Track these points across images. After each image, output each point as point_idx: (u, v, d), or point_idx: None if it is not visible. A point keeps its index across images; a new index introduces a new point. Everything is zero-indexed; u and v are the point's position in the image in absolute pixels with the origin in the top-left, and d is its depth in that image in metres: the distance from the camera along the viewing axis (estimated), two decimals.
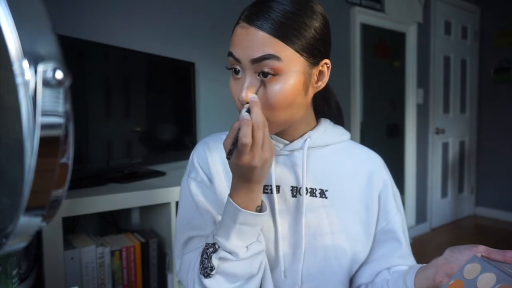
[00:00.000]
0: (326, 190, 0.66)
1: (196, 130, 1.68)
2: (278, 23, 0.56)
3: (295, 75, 0.57)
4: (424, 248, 2.91)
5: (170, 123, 1.58)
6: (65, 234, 1.16)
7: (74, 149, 0.29)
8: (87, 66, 1.27)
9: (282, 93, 0.57)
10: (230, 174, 0.63)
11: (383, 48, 2.90)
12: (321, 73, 0.62)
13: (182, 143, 1.62)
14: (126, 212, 1.48)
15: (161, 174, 1.48)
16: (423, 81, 3.12)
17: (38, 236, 1.04)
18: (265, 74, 0.56)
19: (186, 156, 1.62)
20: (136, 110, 1.43)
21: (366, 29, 2.70)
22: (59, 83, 0.26)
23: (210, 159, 0.68)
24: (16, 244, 0.31)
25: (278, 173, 0.66)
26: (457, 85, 3.49)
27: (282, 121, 0.60)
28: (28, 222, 0.29)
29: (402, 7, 2.83)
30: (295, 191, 0.66)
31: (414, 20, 2.96)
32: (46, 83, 0.26)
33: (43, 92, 0.26)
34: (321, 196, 0.66)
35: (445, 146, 3.43)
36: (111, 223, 1.46)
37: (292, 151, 0.66)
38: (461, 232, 3.30)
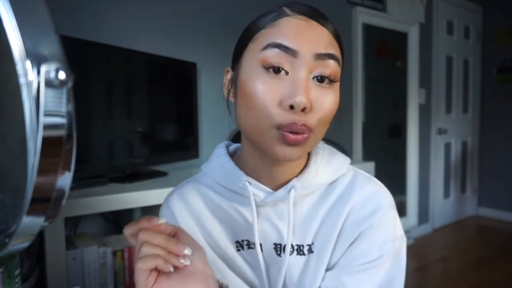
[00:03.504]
0: (313, 243, 0.55)
1: (198, 130, 1.68)
2: (336, 29, 0.51)
3: (338, 86, 0.51)
4: (426, 248, 2.90)
5: (172, 123, 1.58)
6: (67, 234, 1.17)
7: (76, 149, 0.29)
8: (89, 66, 1.27)
9: (334, 104, 0.49)
10: (208, 228, 0.57)
11: (385, 48, 2.89)
12: None
13: (184, 144, 1.62)
14: (128, 212, 1.48)
15: (163, 174, 1.48)
16: (425, 81, 3.11)
17: (40, 236, 1.04)
18: (322, 79, 0.48)
19: (188, 157, 1.63)
20: (138, 110, 1.44)
21: (368, 29, 2.70)
22: (62, 83, 0.26)
23: (180, 219, 0.59)
24: (19, 244, 0.31)
25: (260, 228, 0.56)
26: (459, 85, 3.48)
27: (320, 138, 0.51)
28: (31, 222, 0.29)
29: (404, 7, 2.83)
30: (279, 249, 0.56)
31: (416, 20, 2.95)
32: (49, 84, 0.26)
33: (46, 93, 0.26)
34: (309, 252, 0.55)
35: (448, 147, 3.42)
36: (113, 223, 1.46)
37: (275, 201, 0.55)
38: (463, 232, 3.29)
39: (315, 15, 0.50)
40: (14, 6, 0.25)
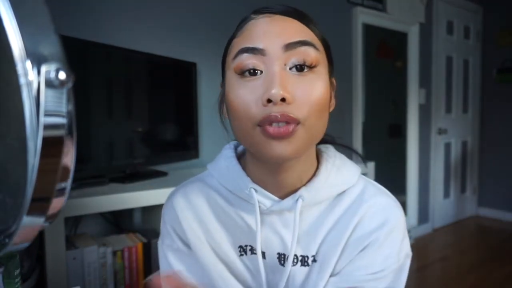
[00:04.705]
0: (317, 253, 0.53)
1: (198, 130, 1.68)
2: (305, 15, 0.49)
3: (324, 73, 0.48)
4: (426, 249, 2.90)
5: (172, 123, 1.58)
6: (67, 234, 1.17)
7: (76, 149, 0.29)
8: (89, 66, 1.27)
9: (321, 91, 0.46)
10: (211, 230, 0.56)
11: (385, 48, 2.89)
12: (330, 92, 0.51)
13: (184, 144, 1.62)
14: (128, 212, 1.48)
15: (163, 174, 1.48)
16: (425, 81, 3.11)
17: (40, 236, 1.04)
18: (301, 67, 0.45)
19: (188, 157, 1.63)
20: (138, 110, 1.44)
21: (368, 29, 2.70)
22: (62, 83, 0.26)
23: (183, 220, 0.57)
24: (19, 244, 0.31)
25: (264, 237, 0.54)
26: (459, 85, 3.48)
27: (315, 132, 0.48)
28: (31, 222, 0.29)
29: (404, 7, 2.83)
30: (283, 259, 0.54)
31: (416, 20, 2.95)
32: (49, 84, 0.26)
33: (46, 93, 0.26)
34: (313, 262, 0.54)
35: (448, 147, 3.42)
36: (113, 223, 1.46)
37: (281, 210, 0.53)
38: (463, 232, 3.29)
39: (281, 11, 0.48)
40: (14, 6, 0.26)
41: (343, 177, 0.55)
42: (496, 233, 3.22)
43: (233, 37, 0.51)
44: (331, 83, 0.52)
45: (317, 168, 0.55)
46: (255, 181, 0.53)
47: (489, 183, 3.65)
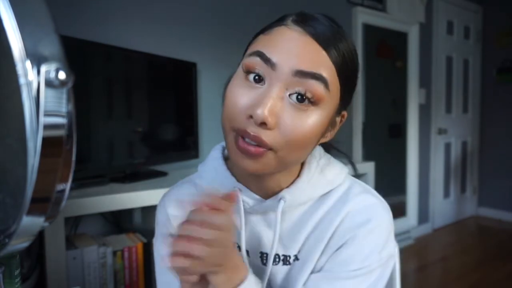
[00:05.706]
0: (299, 252, 0.54)
1: (198, 130, 1.68)
2: (341, 53, 0.46)
3: (325, 113, 0.47)
4: (426, 248, 2.90)
5: (172, 123, 1.58)
6: (67, 234, 1.17)
7: (76, 149, 0.29)
8: (89, 66, 1.27)
9: (310, 128, 0.45)
10: None
11: (385, 48, 2.89)
12: (333, 123, 0.51)
13: (184, 144, 1.63)
14: (128, 212, 1.48)
15: (163, 174, 1.48)
16: (425, 81, 3.11)
17: (40, 236, 1.04)
18: (302, 99, 0.44)
19: (188, 157, 1.64)
20: (138, 110, 1.44)
21: (368, 29, 2.69)
22: (62, 83, 0.26)
23: (174, 220, 0.60)
24: (19, 243, 0.31)
25: (248, 235, 0.55)
26: (459, 85, 3.48)
27: (288, 163, 0.48)
28: (31, 222, 0.29)
29: (404, 7, 2.83)
30: (265, 258, 0.55)
31: (416, 20, 2.95)
32: (49, 84, 0.26)
33: (46, 93, 0.26)
34: (295, 260, 0.54)
35: (448, 147, 3.42)
36: (113, 223, 1.46)
37: (265, 210, 0.54)
38: (463, 232, 3.29)
39: (314, 30, 0.45)
40: (14, 6, 0.25)
41: (326, 178, 0.54)
42: (496, 233, 3.21)
43: (262, 31, 0.50)
44: (340, 116, 0.52)
45: (301, 169, 0.55)
46: (240, 181, 0.55)
47: (489, 183, 3.65)
